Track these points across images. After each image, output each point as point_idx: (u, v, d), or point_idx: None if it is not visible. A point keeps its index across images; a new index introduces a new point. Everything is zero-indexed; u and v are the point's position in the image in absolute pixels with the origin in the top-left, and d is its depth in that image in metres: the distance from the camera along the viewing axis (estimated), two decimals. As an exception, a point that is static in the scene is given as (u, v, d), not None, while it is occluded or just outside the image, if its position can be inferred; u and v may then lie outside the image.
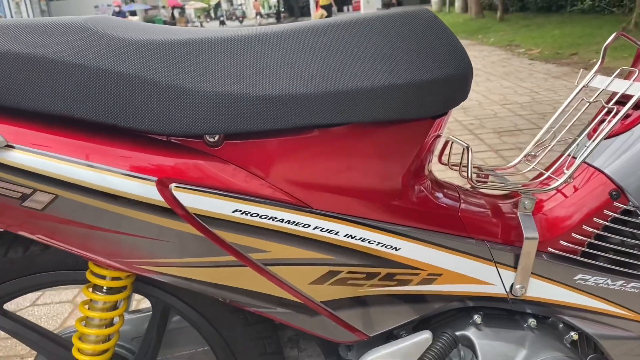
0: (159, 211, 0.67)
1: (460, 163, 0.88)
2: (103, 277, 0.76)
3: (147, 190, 0.66)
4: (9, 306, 0.92)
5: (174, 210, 0.67)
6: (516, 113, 4.28)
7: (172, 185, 0.67)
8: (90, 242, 0.69)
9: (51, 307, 2.07)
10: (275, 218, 0.71)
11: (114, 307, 0.78)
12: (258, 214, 0.70)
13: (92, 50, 0.63)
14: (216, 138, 0.69)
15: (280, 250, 0.72)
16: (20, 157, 0.64)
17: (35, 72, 0.62)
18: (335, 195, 0.74)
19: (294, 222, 0.72)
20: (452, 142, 0.90)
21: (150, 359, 0.91)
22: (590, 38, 7.90)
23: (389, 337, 0.86)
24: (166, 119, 0.64)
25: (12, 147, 0.64)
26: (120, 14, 21.29)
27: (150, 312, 0.97)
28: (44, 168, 0.64)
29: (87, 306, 0.78)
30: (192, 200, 0.67)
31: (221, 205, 0.69)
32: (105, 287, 0.76)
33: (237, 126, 0.66)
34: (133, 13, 29.29)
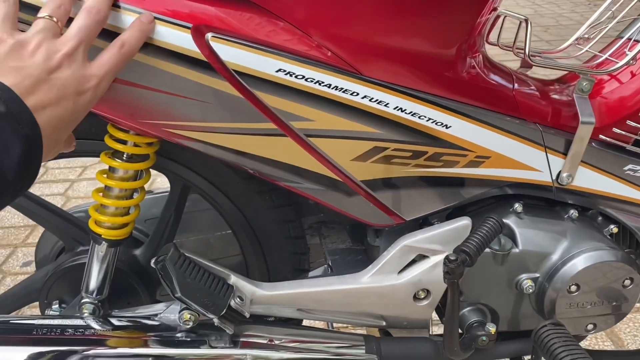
0: (193, 64, 0.59)
1: (515, 41, 0.80)
2: (124, 142, 0.68)
3: (180, 37, 0.57)
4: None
5: (211, 63, 0.59)
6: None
7: (209, 34, 0.58)
8: (112, 99, 0.61)
9: (41, 199, 2.01)
10: (322, 82, 0.63)
11: (135, 177, 0.72)
12: (304, 76, 0.62)
13: None
14: (259, -17, 0.59)
15: (325, 120, 0.65)
16: (30, -11, 0.54)
17: None
18: (387, 61, 0.66)
19: (342, 88, 0.64)
20: (505, 18, 0.82)
21: (166, 242, 0.86)
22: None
23: (422, 224, 0.82)
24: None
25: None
26: None
27: (165, 194, 0.91)
28: (59, 4, 0.54)
29: (105, 175, 0.71)
30: (231, 53, 0.59)
31: (263, 62, 0.60)
32: (125, 155, 0.69)
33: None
34: None
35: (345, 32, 0.63)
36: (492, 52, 0.85)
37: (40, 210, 0.83)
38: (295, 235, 0.86)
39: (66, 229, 0.85)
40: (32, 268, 1.66)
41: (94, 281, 0.76)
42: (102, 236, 0.72)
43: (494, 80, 0.75)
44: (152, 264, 0.69)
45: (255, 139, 0.65)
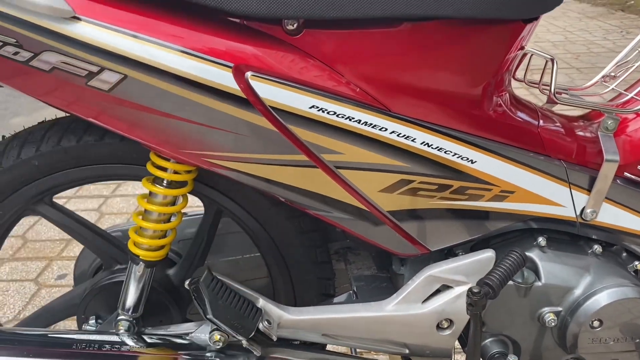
0: (233, 100, 0.63)
1: (541, 79, 0.82)
2: (164, 170, 0.72)
3: (222, 76, 0.61)
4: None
5: (249, 100, 0.63)
6: (548, 52, 4.12)
7: (249, 73, 0.62)
8: (157, 130, 0.65)
9: (77, 214, 2.08)
10: (353, 118, 0.66)
11: (174, 202, 0.76)
12: (335, 112, 0.66)
13: None
14: (295, 25, 0.63)
15: (354, 153, 0.68)
16: (88, 31, 0.59)
17: None
18: (414, 99, 0.69)
19: (371, 124, 0.67)
20: (532, 56, 0.84)
21: (198, 263, 0.90)
22: (629, -21, 7.50)
23: (447, 254, 0.84)
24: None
25: (79, 19, 0.59)
26: None
27: (197, 217, 0.95)
28: (114, 44, 0.59)
29: (146, 200, 0.75)
30: (268, 91, 0.63)
31: (298, 99, 0.64)
32: (166, 181, 0.73)
33: (317, 11, 0.61)
34: None
35: (374, 71, 0.67)
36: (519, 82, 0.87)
37: (82, 230, 0.87)
38: (321, 260, 0.89)
39: (105, 248, 0.89)
40: (66, 281, 1.72)
41: (130, 299, 0.80)
42: (140, 257, 0.76)
43: (519, 117, 0.77)
44: (186, 286, 0.73)
45: (287, 170, 0.69)
